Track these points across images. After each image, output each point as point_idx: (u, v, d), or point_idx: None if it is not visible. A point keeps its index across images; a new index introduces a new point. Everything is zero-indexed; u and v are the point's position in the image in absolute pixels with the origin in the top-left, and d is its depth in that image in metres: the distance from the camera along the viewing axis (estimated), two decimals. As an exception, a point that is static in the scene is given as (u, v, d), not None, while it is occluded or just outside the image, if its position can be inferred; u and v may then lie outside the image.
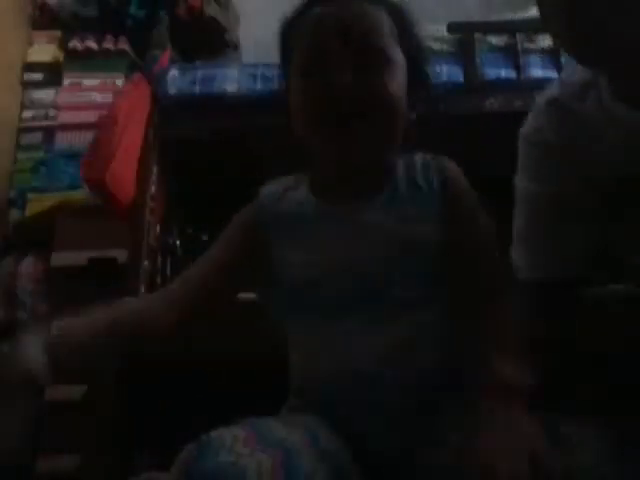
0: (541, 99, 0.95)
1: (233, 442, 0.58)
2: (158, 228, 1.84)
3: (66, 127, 2.56)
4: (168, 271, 1.84)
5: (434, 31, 1.96)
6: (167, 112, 1.84)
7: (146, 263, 1.74)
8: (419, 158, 0.83)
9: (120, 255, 1.87)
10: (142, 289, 1.70)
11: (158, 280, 1.79)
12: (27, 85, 2.65)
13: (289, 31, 0.84)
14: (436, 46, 1.93)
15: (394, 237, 0.75)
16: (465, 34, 1.88)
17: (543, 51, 1.86)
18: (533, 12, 2.02)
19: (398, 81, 0.76)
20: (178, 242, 1.92)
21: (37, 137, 2.57)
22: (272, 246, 0.79)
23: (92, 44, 2.62)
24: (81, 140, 2.49)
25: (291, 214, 0.80)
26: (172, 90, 1.84)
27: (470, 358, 0.73)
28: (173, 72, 1.88)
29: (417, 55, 0.82)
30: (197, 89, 1.84)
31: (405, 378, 0.72)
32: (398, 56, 0.78)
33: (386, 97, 0.74)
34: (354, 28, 0.75)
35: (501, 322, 0.71)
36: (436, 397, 0.72)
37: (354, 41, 0.75)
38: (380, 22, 0.77)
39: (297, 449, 0.60)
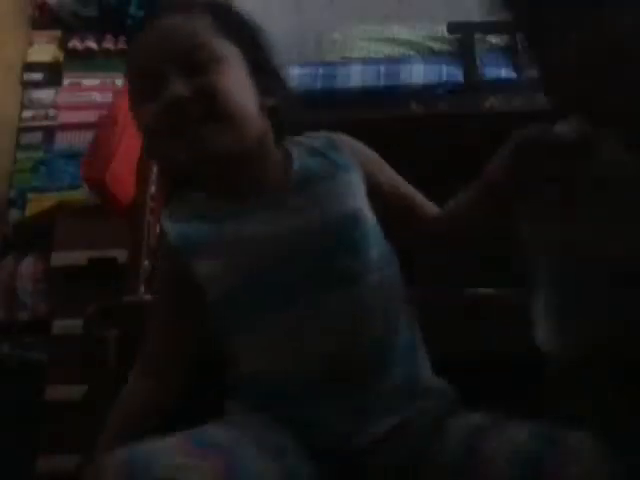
0: None
1: (168, 452, 0.53)
2: (158, 228, 1.84)
3: (66, 127, 2.57)
4: (168, 271, 1.85)
5: (434, 31, 1.96)
6: (167, 112, 1.85)
7: (146, 263, 1.74)
8: (318, 138, 0.83)
9: (120, 255, 1.87)
10: (142, 289, 1.70)
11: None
12: (27, 85, 2.65)
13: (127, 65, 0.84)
14: (436, 46, 1.93)
15: (317, 215, 0.74)
16: (465, 34, 1.88)
17: (543, 51, 1.87)
18: (533, 12, 2.04)
19: (231, 76, 0.76)
20: (178, 242, 1.92)
21: (37, 137, 2.58)
22: (195, 264, 0.76)
23: (92, 44, 2.63)
24: (81, 140, 2.49)
25: (198, 229, 0.77)
26: (172, 90, 1.85)
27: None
28: (173, 72, 1.88)
29: (254, 47, 0.81)
30: (197, 89, 1.84)
31: (358, 351, 0.70)
32: (229, 52, 0.77)
33: (221, 92, 0.74)
34: (171, 39, 0.76)
35: None
36: (386, 363, 0.70)
37: (175, 50, 0.75)
38: (200, 27, 0.78)
39: (241, 450, 0.57)
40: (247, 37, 0.81)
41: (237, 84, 0.76)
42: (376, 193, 0.80)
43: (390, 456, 0.67)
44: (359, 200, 0.76)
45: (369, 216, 0.76)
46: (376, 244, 0.75)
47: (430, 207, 0.85)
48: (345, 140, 0.82)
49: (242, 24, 0.82)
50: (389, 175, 0.84)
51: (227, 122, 0.74)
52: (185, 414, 0.68)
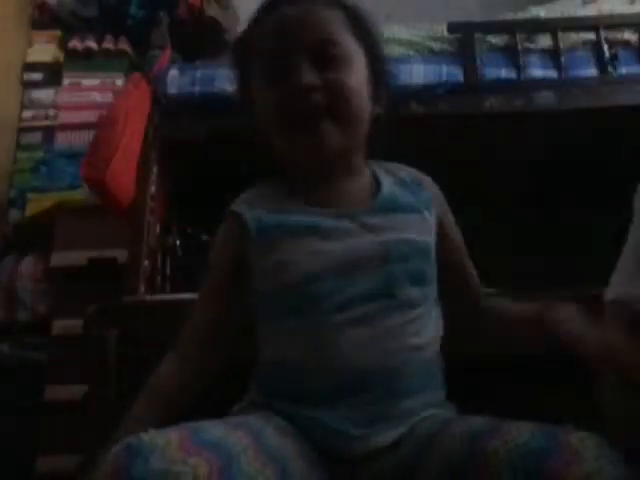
0: None
1: (165, 446, 0.53)
2: (158, 228, 1.84)
3: (66, 127, 2.56)
4: (168, 271, 1.85)
5: (434, 31, 1.96)
6: (167, 112, 1.84)
7: (146, 263, 1.74)
8: (405, 170, 0.87)
9: (120, 255, 1.87)
10: (142, 289, 1.70)
11: (158, 280, 1.79)
12: (27, 85, 2.65)
13: (247, 42, 0.85)
14: (436, 46, 1.92)
15: (396, 239, 0.76)
16: (465, 34, 1.88)
17: (543, 51, 1.86)
18: (533, 12, 2.04)
19: (358, 76, 0.79)
20: (178, 242, 1.92)
21: (37, 137, 2.57)
22: (261, 253, 0.78)
23: (92, 44, 2.63)
24: (81, 140, 2.49)
25: (280, 218, 0.78)
26: (172, 90, 1.85)
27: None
28: (173, 72, 1.88)
29: (376, 52, 0.84)
30: (197, 89, 1.84)
31: (389, 366, 0.72)
32: (357, 53, 0.80)
33: (347, 90, 0.76)
34: (309, 28, 0.78)
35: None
36: (407, 383, 0.72)
37: (311, 40, 0.77)
38: (336, 22, 0.80)
39: (237, 451, 0.57)
40: (372, 42, 0.83)
41: (361, 86, 0.79)
42: (441, 244, 0.83)
43: (390, 463, 0.68)
44: (432, 238, 0.81)
45: (434, 255, 0.80)
46: (434, 281, 0.79)
47: (477, 290, 0.88)
48: (429, 181, 0.87)
49: (369, 29, 0.85)
50: (458, 236, 0.88)
51: (346, 122, 0.77)
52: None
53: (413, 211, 0.80)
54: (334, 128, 0.76)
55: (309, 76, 0.75)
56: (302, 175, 0.82)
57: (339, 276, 0.73)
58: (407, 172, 0.86)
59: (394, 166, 0.87)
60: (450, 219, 0.88)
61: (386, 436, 0.69)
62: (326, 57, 0.77)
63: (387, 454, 0.68)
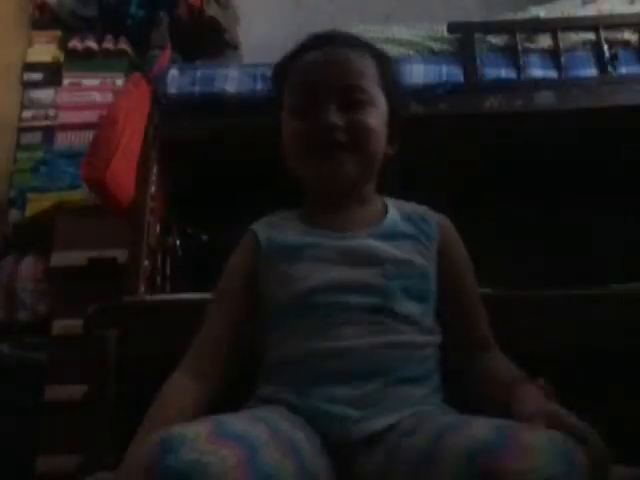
0: None
1: (195, 439, 0.57)
2: (158, 228, 1.84)
3: (66, 127, 2.57)
4: (168, 271, 1.85)
5: (434, 31, 1.96)
6: (167, 112, 1.85)
7: (146, 263, 1.74)
8: (417, 206, 0.94)
9: (120, 255, 1.87)
10: (142, 289, 1.70)
11: (158, 280, 1.79)
12: (27, 85, 2.65)
13: (281, 73, 0.94)
14: (436, 46, 1.93)
15: (393, 258, 0.83)
16: (465, 34, 1.88)
17: (543, 51, 1.87)
18: (533, 12, 2.04)
19: (378, 119, 0.88)
20: (178, 242, 1.92)
21: (37, 137, 2.57)
22: (270, 268, 0.86)
23: (92, 44, 2.63)
24: (81, 140, 2.49)
25: (289, 239, 0.87)
26: (172, 90, 1.85)
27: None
28: (173, 72, 1.88)
29: (396, 99, 0.92)
30: (197, 89, 1.84)
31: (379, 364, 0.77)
32: (380, 99, 0.89)
33: (367, 132, 0.86)
34: (341, 72, 0.87)
35: (508, 363, 0.83)
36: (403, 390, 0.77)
37: (341, 84, 0.86)
38: (364, 67, 0.88)
39: (260, 443, 0.60)
40: (395, 90, 0.93)
41: (380, 129, 0.88)
42: (443, 275, 0.87)
43: (384, 450, 0.71)
44: (431, 264, 0.86)
45: (434, 281, 0.86)
46: (431, 301, 0.85)
47: (477, 335, 0.88)
48: (437, 217, 0.92)
49: (395, 77, 0.94)
50: (472, 282, 0.91)
51: (363, 156, 0.86)
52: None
53: (412, 239, 0.87)
54: (351, 159, 0.85)
55: (334, 117, 0.84)
56: (318, 199, 0.91)
57: (339, 291, 0.80)
58: (413, 208, 0.93)
59: (405, 203, 0.94)
60: (457, 254, 0.91)
61: (381, 421, 0.73)
62: (352, 100, 0.86)
63: (382, 440, 0.72)
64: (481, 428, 0.58)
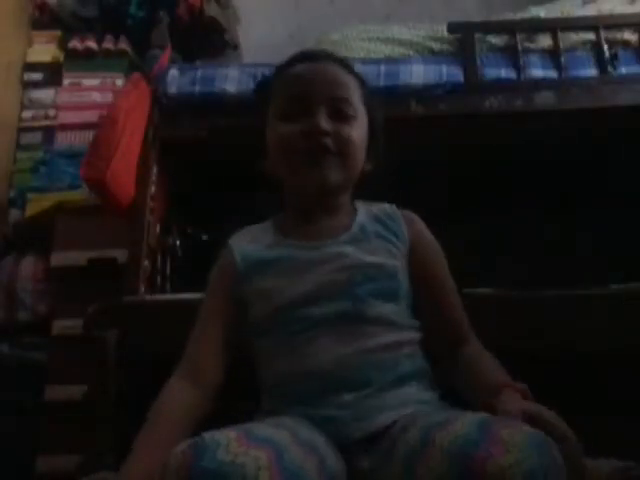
0: None
1: (228, 442, 0.60)
2: (158, 228, 1.84)
3: (66, 127, 2.56)
4: (168, 271, 1.85)
5: (434, 31, 1.96)
6: (167, 112, 1.85)
7: (146, 263, 1.74)
8: (384, 205, 0.96)
9: (120, 255, 1.87)
10: (142, 289, 1.70)
11: (158, 280, 1.79)
12: (27, 85, 2.65)
13: (271, 82, 0.97)
14: (436, 46, 1.93)
15: (360, 263, 0.85)
16: (465, 34, 1.88)
17: (543, 51, 1.87)
18: (533, 12, 2.04)
19: (360, 133, 0.92)
20: (178, 242, 1.92)
21: (37, 137, 2.57)
22: (247, 283, 0.89)
23: (92, 44, 2.63)
24: (81, 140, 2.49)
25: (262, 253, 0.90)
26: (172, 90, 1.85)
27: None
28: (173, 72, 1.88)
29: (375, 118, 0.97)
30: (197, 89, 1.84)
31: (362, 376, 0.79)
32: (362, 115, 0.93)
33: (351, 143, 0.89)
34: (331, 84, 0.91)
35: (486, 356, 0.86)
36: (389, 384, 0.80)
37: (330, 94, 0.90)
38: (350, 82, 0.94)
39: (285, 445, 0.63)
40: (374, 110, 0.97)
41: (361, 144, 0.93)
42: (414, 269, 0.89)
43: (376, 452, 0.73)
44: (401, 263, 0.88)
45: (405, 279, 0.88)
46: (405, 299, 0.87)
47: (455, 323, 0.90)
48: (405, 213, 0.95)
49: (373, 99, 0.99)
50: (445, 274, 0.93)
51: (345, 167, 0.90)
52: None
53: (379, 238, 0.90)
54: (336, 166, 0.89)
55: (325, 123, 0.88)
56: (294, 207, 0.94)
57: (309, 302, 0.83)
58: (380, 207, 0.96)
59: (374, 204, 0.97)
60: (427, 248, 0.93)
61: (378, 421, 0.76)
62: (339, 111, 0.90)
63: (381, 439, 0.74)
64: (464, 425, 0.60)
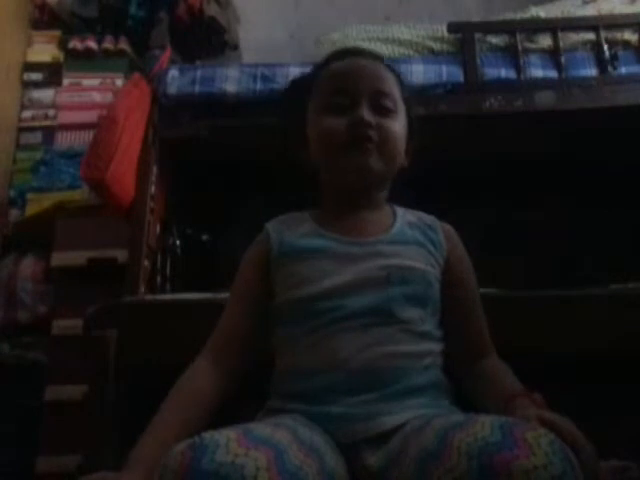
0: None
1: (227, 443, 0.61)
2: (158, 228, 1.84)
3: (66, 127, 2.56)
4: (168, 271, 1.85)
5: (434, 31, 1.96)
6: (167, 112, 1.85)
7: (146, 263, 1.74)
8: (422, 214, 0.98)
9: (120, 255, 1.87)
10: (142, 289, 1.70)
11: (158, 280, 1.79)
12: (27, 85, 2.65)
13: (309, 80, 0.99)
14: (436, 46, 1.93)
15: (399, 265, 0.86)
16: (465, 34, 1.88)
17: (543, 51, 1.86)
18: (533, 12, 2.04)
19: (401, 127, 0.94)
20: (178, 242, 1.92)
21: (37, 137, 2.57)
22: (280, 269, 0.90)
23: (92, 44, 2.63)
24: (81, 140, 2.49)
25: (299, 241, 0.90)
26: (172, 90, 1.84)
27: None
28: (173, 72, 1.88)
29: (412, 114, 0.99)
30: (197, 89, 1.84)
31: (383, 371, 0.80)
32: (401, 110, 0.96)
33: (392, 136, 0.91)
34: (372, 78, 0.93)
35: (504, 368, 0.87)
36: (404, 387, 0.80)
37: (372, 88, 0.92)
38: (390, 78, 0.96)
39: (284, 445, 0.64)
40: (410, 105, 1.00)
41: (401, 136, 0.95)
42: (447, 281, 0.91)
43: (385, 451, 0.74)
44: (436, 270, 0.90)
45: (437, 288, 0.89)
46: (433, 307, 0.88)
47: (478, 341, 0.92)
48: (444, 226, 0.97)
49: (412, 100, 1.02)
50: (475, 288, 0.95)
51: (387, 158, 0.91)
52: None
53: (418, 245, 0.91)
54: (377, 155, 0.90)
55: (368, 115, 0.90)
56: (334, 200, 0.95)
57: (344, 294, 0.83)
58: (420, 216, 0.98)
59: (413, 211, 0.99)
60: (462, 262, 0.95)
61: (388, 421, 0.76)
62: (381, 106, 0.92)
63: (390, 439, 0.75)
64: (485, 426, 0.60)
